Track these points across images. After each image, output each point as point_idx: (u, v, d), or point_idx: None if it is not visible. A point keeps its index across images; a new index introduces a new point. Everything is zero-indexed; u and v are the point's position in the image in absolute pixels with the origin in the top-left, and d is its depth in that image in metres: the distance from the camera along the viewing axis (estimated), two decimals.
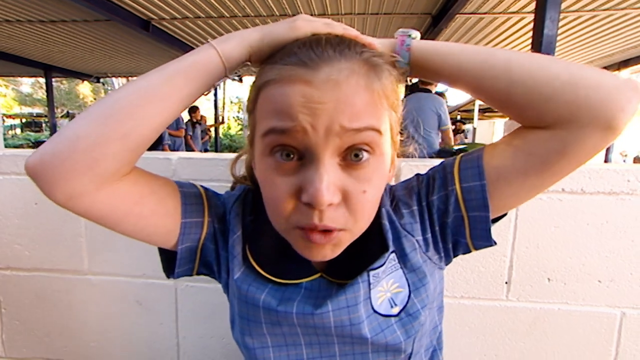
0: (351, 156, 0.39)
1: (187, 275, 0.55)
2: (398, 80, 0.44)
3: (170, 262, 0.52)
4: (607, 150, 7.47)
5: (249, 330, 0.49)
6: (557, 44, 3.58)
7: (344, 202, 0.39)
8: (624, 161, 10.45)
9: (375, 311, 0.46)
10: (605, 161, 7.58)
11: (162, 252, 0.53)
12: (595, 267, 0.85)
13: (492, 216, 0.47)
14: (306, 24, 0.43)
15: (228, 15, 4.87)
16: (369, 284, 0.46)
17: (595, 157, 0.43)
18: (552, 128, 0.41)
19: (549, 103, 0.40)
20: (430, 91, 3.47)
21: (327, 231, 0.40)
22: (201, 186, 0.54)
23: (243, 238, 0.50)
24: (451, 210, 0.48)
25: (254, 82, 0.43)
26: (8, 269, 1.04)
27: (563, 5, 4.29)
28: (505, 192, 0.45)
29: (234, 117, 19.17)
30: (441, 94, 3.97)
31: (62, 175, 0.39)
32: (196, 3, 4.46)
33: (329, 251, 0.42)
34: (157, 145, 5.07)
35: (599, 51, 6.44)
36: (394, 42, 0.46)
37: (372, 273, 0.47)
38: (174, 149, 5.66)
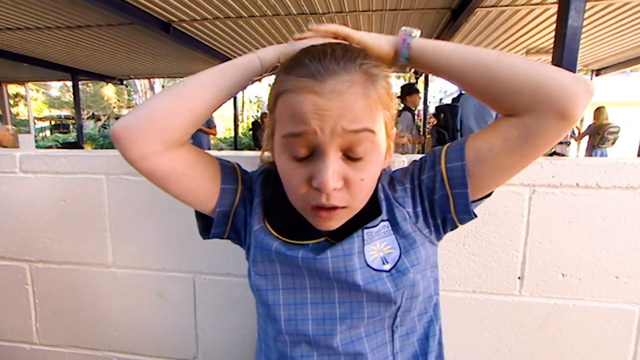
0: (351, 152, 0.48)
1: (219, 237, 0.65)
2: (389, 83, 0.53)
3: (205, 226, 0.64)
4: None
5: (264, 271, 0.58)
6: (582, 35, 3.44)
7: (345, 187, 0.49)
8: None
9: (368, 265, 0.54)
10: (639, 155, 7.22)
11: (199, 217, 0.64)
12: (612, 263, 0.83)
13: (476, 195, 0.55)
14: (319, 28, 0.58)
15: (246, 16, 4.93)
16: (363, 240, 0.55)
17: (552, 144, 0.50)
18: (521, 116, 0.50)
19: (516, 94, 0.49)
20: None
21: (332, 209, 0.50)
22: (235, 162, 0.66)
23: (262, 204, 0.61)
24: (437, 188, 0.56)
25: (274, 86, 0.53)
26: (40, 262, 1.11)
27: None
28: (484, 173, 0.54)
29: (253, 116, 19.38)
30: None
31: (140, 137, 0.51)
32: (215, 4, 4.54)
33: (333, 223, 0.53)
34: None
35: (631, 41, 6.14)
36: (397, 39, 0.56)
37: (366, 231, 0.55)
38: (200, 146, 5.83)
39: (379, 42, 0.56)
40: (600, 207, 0.82)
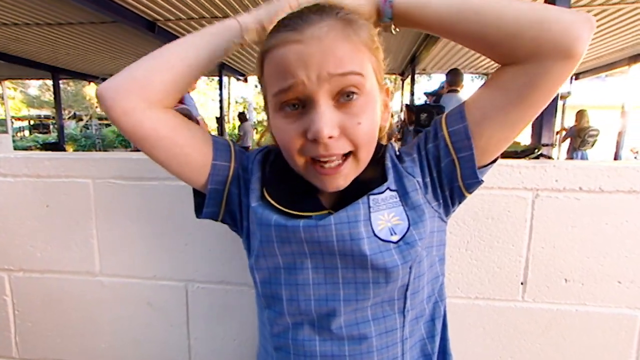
0: (343, 97, 0.47)
1: (213, 218, 0.63)
2: (375, 30, 0.52)
3: (200, 204, 0.62)
4: (617, 146, 7.35)
5: (263, 251, 0.55)
6: None
7: (343, 134, 0.48)
8: (635, 158, 10.28)
9: (375, 234, 0.51)
10: (615, 158, 7.45)
11: (196, 194, 0.62)
12: (614, 268, 0.83)
13: (482, 160, 0.54)
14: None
15: (232, 16, 4.87)
16: (369, 206, 0.52)
17: (558, 89, 0.48)
18: (522, 63, 0.47)
19: (517, 39, 0.47)
20: None
21: (336, 167, 0.49)
22: (230, 140, 0.65)
23: (261, 179, 0.59)
24: (443, 155, 0.55)
25: (258, 54, 0.53)
26: (21, 271, 1.04)
27: (572, 0, 4.24)
28: (490, 130, 0.51)
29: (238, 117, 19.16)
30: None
31: (121, 93, 0.53)
32: (201, 4, 4.47)
33: (341, 181, 0.51)
34: None
35: (609, 46, 6.35)
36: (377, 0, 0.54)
37: (371, 197, 0.53)
38: None
39: (359, 2, 0.54)
40: (603, 212, 0.81)
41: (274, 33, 0.49)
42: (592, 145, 6.62)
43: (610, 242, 0.82)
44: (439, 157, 0.55)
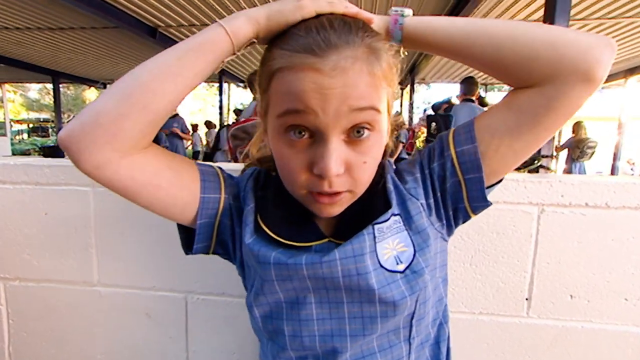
0: (354, 133, 0.44)
1: (204, 252, 0.58)
2: (395, 58, 0.48)
3: (188, 239, 0.57)
4: (614, 157, 7.39)
5: (262, 289, 0.52)
6: None
7: (347, 171, 0.45)
8: (632, 169, 10.33)
9: (381, 265, 0.49)
10: (612, 169, 7.47)
11: (181, 229, 0.58)
12: (621, 285, 0.82)
13: (489, 180, 0.51)
14: (311, 3, 0.46)
15: (219, 22, 4.89)
16: (374, 237, 0.50)
17: (575, 112, 0.46)
18: (539, 85, 0.45)
19: (533, 62, 0.45)
20: None
21: (334, 194, 0.46)
22: (218, 167, 0.59)
23: (255, 209, 0.54)
24: (449, 176, 0.52)
25: (266, 62, 0.46)
26: (17, 280, 1.02)
27: (570, 13, 4.28)
28: (500, 152, 0.49)
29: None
30: None
31: (89, 145, 0.43)
32: (202, 10, 4.50)
33: (336, 209, 0.49)
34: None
35: None
36: (387, 20, 0.51)
37: (376, 227, 0.50)
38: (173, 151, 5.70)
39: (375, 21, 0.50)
40: (609, 228, 0.81)
41: (287, 49, 0.43)
42: (590, 157, 6.66)
43: (616, 259, 0.81)
44: (444, 177, 0.53)
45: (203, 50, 0.46)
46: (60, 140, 0.44)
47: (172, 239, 0.95)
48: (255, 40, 0.49)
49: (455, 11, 4.29)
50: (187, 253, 0.58)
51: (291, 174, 0.47)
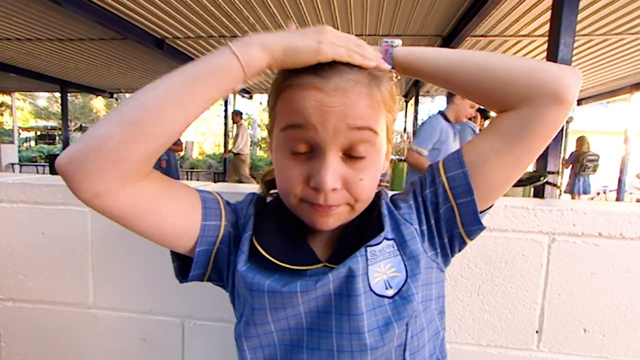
0: (351, 152, 0.46)
1: (199, 280, 0.57)
2: (396, 87, 0.52)
3: (183, 267, 0.56)
4: (621, 172, 7.29)
5: (254, 320, 0.51)
6: None
7: (344, 187, 0.47)
8: None
9: (371, 289, 0.49)
10: (619, 183, 7.36)
11: (175, 257, 0.57)
12: (638, 319, 0.78)
13: (481, 205, 0.52)
14: (331, 50, 0.46)
15: (241, 35, 4.95)
16: (367, 259, 0.50)
17: (554, 133, 0.49)
18: (517, 108, 0.49)
19: (509, 85, 0.49)
20: None
21: (329, 206, 0.47)
22: (217, 193, 0.59)
23: (252, 234, 0.54)
24: (441, 202, 0.53)
25: (275, 83, 0.50)
26: (10, 300, 1.00)
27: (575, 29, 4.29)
28: (488, 174, 0.51)
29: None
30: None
31: (89, 173, 0.42)
32: (209, 23, 4.55)
33: (332, 221, 0.49)
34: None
35: (611, 74, 6.39)
36: (379, 50, 0.53)
37: (369, 249, 0.50)
38: (169, 163, 5.68)
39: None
40: (624, 259, 0.77)
41: (294, 71, 0.47)
42: (594, 171, 6.60)
43: (632, 292, 0.78)
44: (437, 203, 0.54)
45: (213, 78, 0.44)
46: (58, 167, 0.42)
47: (170, 263, 0.92)
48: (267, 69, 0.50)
49: (457, 30, 4.32)
50: (181, 281, 0.57)
51: (289, 183, 0.48)
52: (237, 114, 7.15)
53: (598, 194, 10.20)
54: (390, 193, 0.62)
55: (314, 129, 0.45)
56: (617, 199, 7.77)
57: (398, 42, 0.54)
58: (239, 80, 0.45)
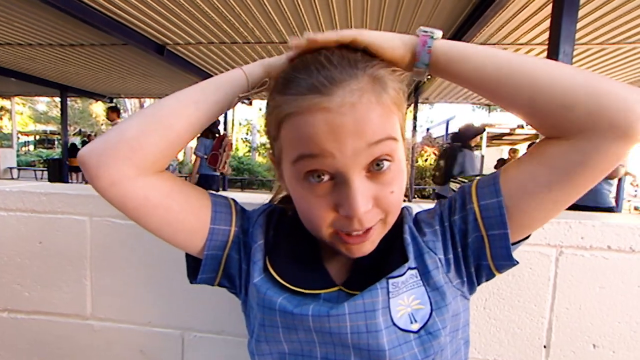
0: (374, 167, 0.43)
1: (209, 284, 0.57)
2: (401, 82, 0.46)
3: (194, 268, 0.55)
4: (619, 178, 7.30)
5: (265, 337, 0.49)
6: None
7: (375, 205, 0.44)
8: (636, 191, 10.21)
9: (394, 324, 0.46)
10: (617, 189, 7.36)
11: (189, 258, 0.57)
12: None
13: (516, 236, 0.48)
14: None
15: (241, 42, 4.96)
16: (388, 292, 0.47)
17: (612, 169, 0.42)
18: (573, 138, 0.42)
19: (571, 112, 0.41)
20: None
21: (364, 232, 0.44)
22: (231, 199, 0.58)
23: (264, 247, 0.53)
24: (471, 230, 0.49)
25: (272, 111, 0.46)
26: (5, 311, 0.98)
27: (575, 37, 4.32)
28: (528, 208, 0.46)
29: (242, 139, 19.29)
30: None
31: (108, 160, 0.45)
32: (210, 29, 4.56)
33: (368, 246, 0.47)
34: None
35: None
36: (415, 41, 0.47)
37: (391, 281, 0.47)
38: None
39: (393, 43, 0.47)
40: (634, 273, 0.76)
41: (291, 93, 0.42)
42: None
43: None
44: (466, 230, 0.50)
45: (222, 83, 0.51)
46: (80, 156, 0.46)
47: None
48: (267, 80, 0.51)
49: (457, 35, 4.34)
50: (191, 282, 0.57)
51: (316, 218, 0.45)
52: (113, 111, 6.07)
53: None
54: (415, 207, 0.59)
55: (331, 156, 0.41)
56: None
57: (439, 33, 0.47)
58: (243, 86, 0.52)
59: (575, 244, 0.77)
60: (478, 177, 0.51)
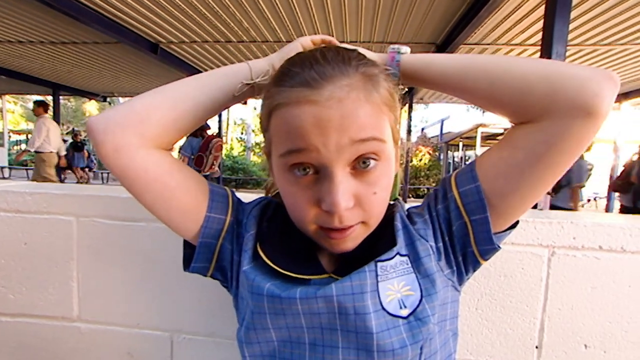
0: (360, 164, 0.43)
1: (202, 274, 0.58)
2: (393, 84, 0.48)
3: (190, 256, 0.56)
4: (610, 179, 7.38)
5: (254, 324, 0.50)
6: None
7: (357, 204, 0.44)
8: None
9: (383, 308, 0.46)
10: (609, 193, 7.47)
11: (186, 246, 0.57)
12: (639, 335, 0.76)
13: (499, 225, 0.49)
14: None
15: (235, 40, 4.94)
16: (377, 275, 0.47)
17: (582, 149, 0.43)
18: (537, 121, 0.44)
19: (530, 95, 0.43)
20: None
21: (344, 228, 0.45)
22: (229, 189, 0.59)
23: (256, 237, 0.54)
24: (454, 218, 0.50)
25: (265, 102, 0.47)
26: None
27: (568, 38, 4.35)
28: (505, 191, 0.47)
29: (237, 138, 19.22)
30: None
31: (116, 127, 0.48)
32: (204, 28, 4.53)
33: (349, 243, 0.47)
34: None
35: None
36: (385, 57, 0.53)
37: (379, 265, 0.47)
38: None
39: (371, 56, 0.52)
40: (626, 273, 0.76)
41: (283, 85, 0.43)
42: (587, 179, 6.67)
43: (634, 306, 0.76)
44: (449, 219, 0.51)
45: (227, 72, 0.55)
46: (90, 122, 0.48)
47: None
48: (269, 70, 0.55)
49: (451, 38, 4.36)
50: (185, 270, 0.58)
51: (299, 211, 0.46)
52: (40, 105, 5.76)
53: (589, 201, 10.32)
54: (407, 205, 0.59)
55: (315, 150, 0.41)
56: (607, 207, 7.87)
57: (406, 49, 0.52)
58: (246, 75, 0.54)
59: (567, 244, 0.77)
60: (458, 169, 0.53)
